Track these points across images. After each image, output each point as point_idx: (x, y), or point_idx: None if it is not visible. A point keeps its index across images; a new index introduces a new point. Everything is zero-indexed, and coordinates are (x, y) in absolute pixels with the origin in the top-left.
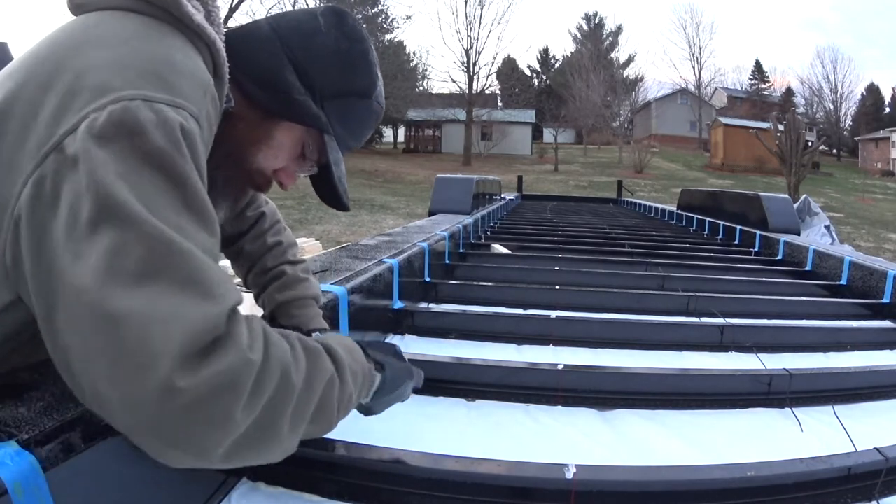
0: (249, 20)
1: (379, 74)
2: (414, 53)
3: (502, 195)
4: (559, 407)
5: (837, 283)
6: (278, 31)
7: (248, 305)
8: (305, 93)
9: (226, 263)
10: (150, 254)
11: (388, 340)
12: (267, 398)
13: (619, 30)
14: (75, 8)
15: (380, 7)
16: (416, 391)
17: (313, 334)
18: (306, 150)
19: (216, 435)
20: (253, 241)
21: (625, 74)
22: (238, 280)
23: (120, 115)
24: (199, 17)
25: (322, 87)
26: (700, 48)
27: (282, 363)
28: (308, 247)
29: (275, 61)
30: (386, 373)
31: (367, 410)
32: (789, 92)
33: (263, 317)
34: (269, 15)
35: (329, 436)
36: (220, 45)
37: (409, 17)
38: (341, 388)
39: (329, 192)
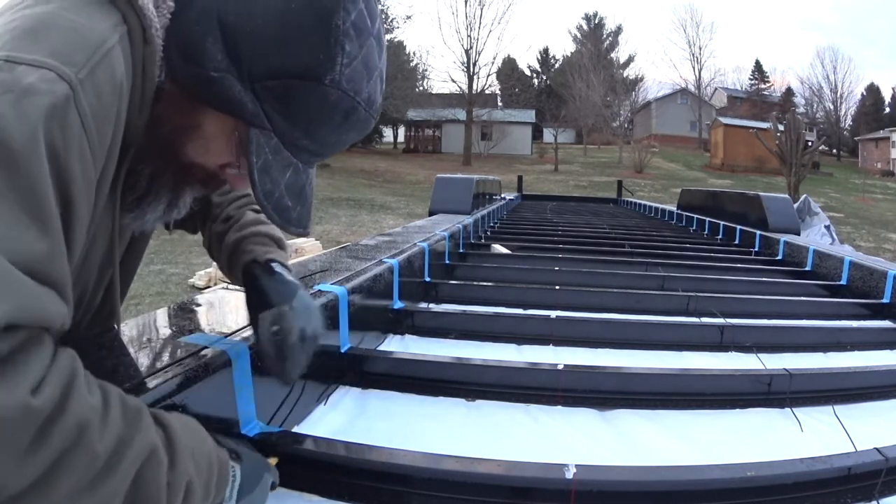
0: None
1: (348, 48)
2: (414, 53)
3: (502, 195)
4: (559, 407)
5: (837, 283)
6: None
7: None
8: (228, 68)
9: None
10: None
11: (388, 340)
12: (52, 461)
13: (619, 30)
14: None
15: (380, 7)
16: (416, 391)
17: (274, 264)
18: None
19: None
20: (221, 195)
21: (625, 74)
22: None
23: None
24: None
25: (251, 63)
26: (700, 48)
27: (80, 420)
28: (308, 247)
29: (201, 23)
30: (243, 464)
31: None
32: (789, 92)
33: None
34: None
35: (329, 436)
36: (144, 1)
37: (409, 17)
38: (172, 470)
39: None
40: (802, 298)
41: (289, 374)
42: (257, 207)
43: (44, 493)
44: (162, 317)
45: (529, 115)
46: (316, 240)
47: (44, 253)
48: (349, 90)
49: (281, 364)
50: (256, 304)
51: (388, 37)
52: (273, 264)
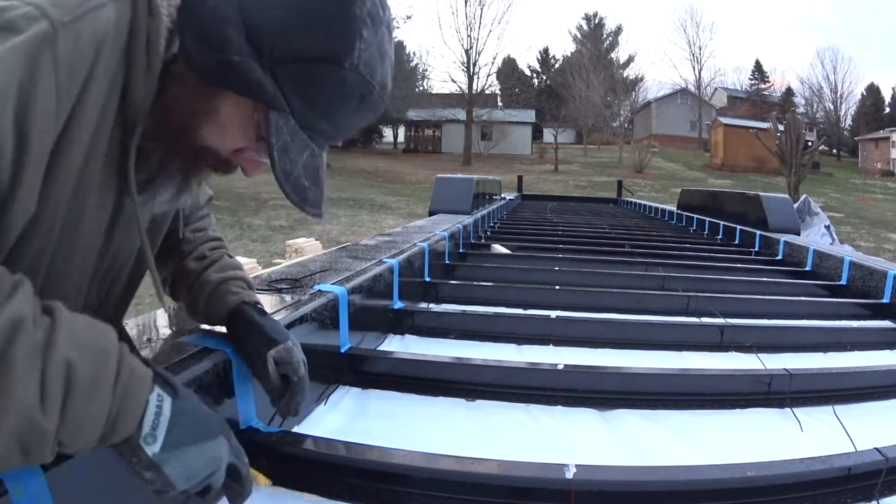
0: None
1: (365, 35)
2: (414, 53)
3: (502, 195)
4: (559, 407)
5: (837, 283)
6: None
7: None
8: (249, 53)
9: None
10: None
11: (388, 340)
12: None
13: (619, 30)
14: None
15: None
16: (416, 391)
17: (259, 306)
18: (262, 130)
19: None
20: (194, 231)
21: (625, 74)
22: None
23: None
24: None
25: (273, 47)
26: (700, 48)
27: None
28: (308, 247)
29: (221, 9)
30: (180, 401)
31: (153, 468)
32: (789, 92)
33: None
34: None
35: (329, 436)
36: None
37: (409, 17)
38: (47, 350)
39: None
40: (802, 298)
41: (297, 406)
42: (230, 253)
43: None
44: (162, 317)
45: (529, 115)
46: (316, 240)
47: None
48: (366, 74)
49: (291, 398)
50: (257, 342)
51: None
52: (259, 306)
